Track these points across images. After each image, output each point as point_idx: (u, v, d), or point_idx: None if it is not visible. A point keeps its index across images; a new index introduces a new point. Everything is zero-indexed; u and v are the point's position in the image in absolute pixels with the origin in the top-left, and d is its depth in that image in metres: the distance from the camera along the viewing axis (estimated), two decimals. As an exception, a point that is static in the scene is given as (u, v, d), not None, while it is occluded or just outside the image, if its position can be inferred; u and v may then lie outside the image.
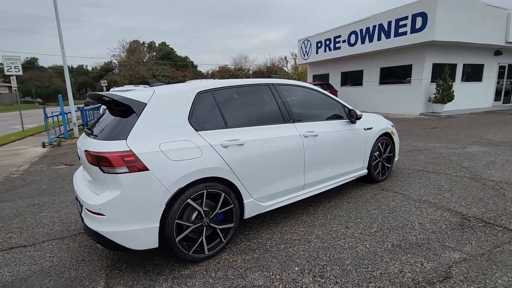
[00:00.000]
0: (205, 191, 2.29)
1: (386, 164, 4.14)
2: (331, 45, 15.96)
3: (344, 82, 16.78)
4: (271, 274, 2.14)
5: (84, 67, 61.64)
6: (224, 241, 2.46)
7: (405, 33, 11.74)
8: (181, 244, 2.23)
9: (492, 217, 2.87)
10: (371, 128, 3.76)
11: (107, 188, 2.05)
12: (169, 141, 2.17)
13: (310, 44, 17.84)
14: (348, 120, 3.49)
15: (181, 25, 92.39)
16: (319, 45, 17.02)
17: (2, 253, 2.65)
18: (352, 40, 14.60)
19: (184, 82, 3.60)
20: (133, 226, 2.03)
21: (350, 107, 3.58)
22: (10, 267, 2.41)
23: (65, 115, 9.41)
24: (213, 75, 40.68)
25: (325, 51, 16.61)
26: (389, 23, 12.38)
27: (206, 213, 2.34)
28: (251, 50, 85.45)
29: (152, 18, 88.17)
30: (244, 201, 2.55)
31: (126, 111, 2.19)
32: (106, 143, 2.05)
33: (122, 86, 17.76)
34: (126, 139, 2.05)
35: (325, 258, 2.32)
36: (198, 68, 55.88)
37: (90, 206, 2.04)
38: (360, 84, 15.51)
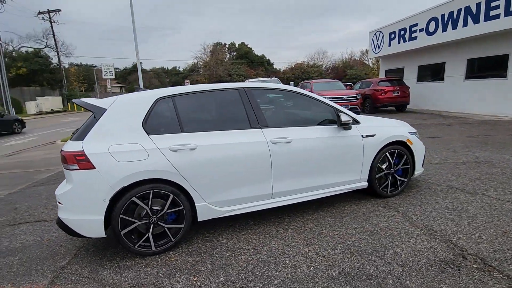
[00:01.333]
0: (151, 191, 2.46)
1: (399, 178, 3.55)
2: (406, 36, 14.09)
3: (421, 78, 14.63)
4: (195, 279, 2.18)
5: (177, 68, 69.98)
6: (173, 240, 2.59)
7: (497, 16, 9.50)
8: (128, 237, 2.46)
9: (501, 258, 2.20)
10: (372, 135, 3.29)
11: (66, 181, 2.42)
12: (118, 144, 2.41)
13: (382, 36, 16.13)
14: (340, 125, 3.14)
15: (262, 24, 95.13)
16: (392, 36, 15.24)
17: (28, 224, 3.39)
18: (431, 28, 12.58)
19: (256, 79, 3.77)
20: (83, 216, 2.35)
21: (345, 111, 3.22)
22: (24, 236, 3.07)
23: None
24: (284, 73, 40.75)
25: (398, 42, 14.78)
26: (478, 4, 10.20)
27: (154, 212, 2.51)
28: (333, 44, 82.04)
29: (241, 19, 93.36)
30: (196, 204, 2.62)
31: (93, 116, 2.52)
32: (70, 144, 2.42)
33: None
34: (82, 141, 2.38)
35: (257, 273, 2.21)
36: (275, 66, 56.85)
37: (56, 195, 2.45)
38: (441, 79, 13.28)
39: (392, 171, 3.48)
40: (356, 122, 3.29)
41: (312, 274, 2.15)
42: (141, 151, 2.43)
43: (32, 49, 32.16)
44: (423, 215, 2.99)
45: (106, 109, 2.50)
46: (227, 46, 56.35)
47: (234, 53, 55.38)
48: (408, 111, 13.83)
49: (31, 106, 27.69)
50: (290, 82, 14.86)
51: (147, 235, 2.50)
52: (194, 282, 2.14)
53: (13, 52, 33.66)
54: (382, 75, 17.91)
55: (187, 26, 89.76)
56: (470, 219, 2.86)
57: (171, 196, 2.52)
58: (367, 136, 3.26)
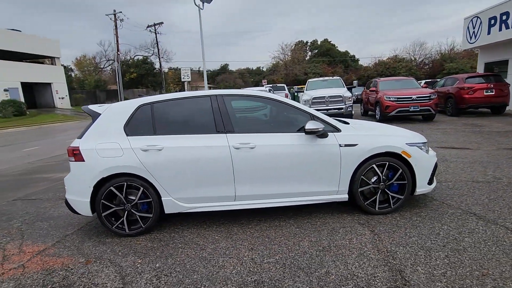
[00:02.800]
0: (125, 183, 2.95)
1: (392, 194, 3.14)
2: (510, 21, 11.35)
3: (533, 72, 11.58)
4: (139, 262, 2.55)
5: (261, 68, 73.07)
6: (143, 226, 3.03)
7: None
8: (108, 219, 3.02)
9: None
10: (354, 144, 3.02)
11: (70, 170, 3.13)
12: (103, 142, 2.98)
13: (480, 22, 13.36)
14: (306, 133, 3.00)
15: (351, 19, 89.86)
16: (492, 22, 12.49)
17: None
18: (547, 8, 9.83)
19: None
20: (77, 197, 3.02)
21: (323, 118, 3.07)
22: (63, 209, 4.03)
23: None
24: (365, 69, 37.64)
25: (500, 29, 12.02)
26: None
27: (129, 201, 3.00)
28: (435, 34, 71.36)
29: (328, 16, 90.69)
30: (162, 198, 3.00)
31: (92, 119, 3.17)
32: (74, 141, 3.12)
33: (263, 85, 20.12)
34: (80, 139, 3.04)
35: (187, 266, 2.43)
36: (360, 62, 53.24)
37: (64, 180, 3.19)
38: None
39: (382, 186, 3.12)
40: (336, 129, 3.09)
41: (230, 277, 2.25)
42: (118, 149, 2.94)
43: (141, 57, 38.85)
44: (398, 239, 2.63)
45: (100, 114, 3.11)
46: (308, 44, 55.69)
47: (316, 51, 54.31)
48: (507, 114, 11.19)
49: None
50: (354, 82, 13.76)
51: (122, 219, 3.02)
52: (137, 264, 2.51)
53: (129, 61, 41.36)
54: (480, 70, 14.87)
55: (276, 27, 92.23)
56: (453, 251, 2.38)
57: (142, 189, 2.97)
58: (347, 145, 3.02)
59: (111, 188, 2.95)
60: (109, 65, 32.57)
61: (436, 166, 3.26)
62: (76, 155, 2.96)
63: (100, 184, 2.96)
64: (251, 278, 2.21)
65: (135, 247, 2.81)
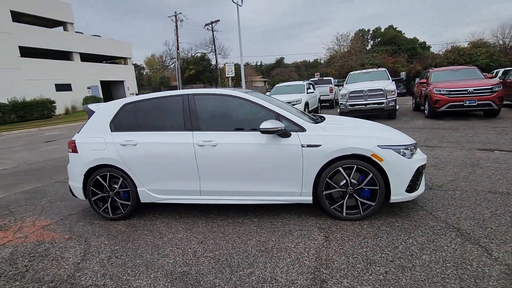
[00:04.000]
0: (108, 173, 3.35)
1: (362, 200, 2.90)
2: None
3: None
4: (106, 243, 2.90)
5: (318, 60, 70.77)
6: (123, 212, 3.40)
7: None
8: (97, 204, 3.47)
9: None
10: (317, 145, 2.87)
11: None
12: (93, 137, 3.42)
13: None
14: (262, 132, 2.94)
15: (423, 2, 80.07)
16: None
17: (93, 185, 5.10)
18: None
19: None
20: (74, 183, 3.54)
21: (288, 117, 2.99)
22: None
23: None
24: (434, 58, 33.22)
25: None
26: None
27: (112, 189, 3.40)
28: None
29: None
30: (138, 189, 3.32)
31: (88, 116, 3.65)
32: (74, 135, 3.64)
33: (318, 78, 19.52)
34: (78, 133, 3.54)
35: (136, 250, 2.69)
36: (432, 49, 47.37)
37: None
38: None
39: (350, 190, 2.91)
40: (300, 129, 2.97)
41: (165, 266, 2.42)
42: (103, 143, 3.35)
43: (200, 54, 41.31)
44: (347, 249, 2.45)
45: (94, 112, 3.56)
46: (370, 32, 51.82)
47: (378, 39, 50.22)
48: None
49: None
50: (401, 73, 12.31)
51: (106, 205, 3.44)
52: (102, 245, 2.87)
53: (190, 58, 44.35)
54: None
55: (337, 16, 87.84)
56: (397, 268, 2.14)
57: (121, 179, 3.33)
58: (309, 145, 2.89)
59: (97, 177, 3.39)
60: (173, 63, 35.64)
61: (419, 172, 2.88)
62: (73, 147, 3.47)
63: (89, 173, 3.41)
64: (181, 269, 2.35)
65: (110, 230, 3.20)
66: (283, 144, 2.94)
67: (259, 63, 73.66)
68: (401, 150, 2.85)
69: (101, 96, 30.17)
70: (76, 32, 29.57)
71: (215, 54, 38.93)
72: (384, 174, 2.82)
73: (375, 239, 2.57)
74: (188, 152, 3.12)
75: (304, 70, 63.33)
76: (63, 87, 27.24)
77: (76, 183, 3.49)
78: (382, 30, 50.23)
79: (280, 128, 2.84)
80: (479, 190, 3.48)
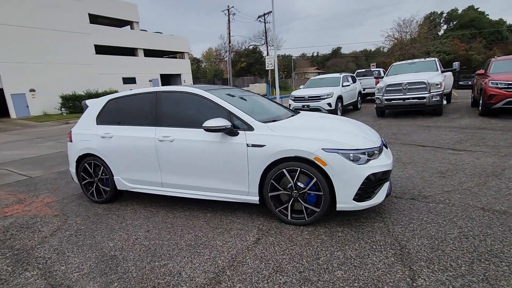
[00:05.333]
0: (92, 162, 3.79)
1: (306, 205, 2.74)
2: None
3: None
4: (82, 228, 3.32)
5: (381, 49, 65.40)
6: (105, 197, 3.82)
7: None
8: (87, 187, 3.95)
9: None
10: (261, 145, 2.80)
11: (70, 148, 4.22)
12: (84, 129, 3.89)
13: None
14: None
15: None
16: None
17: (107, 170, 5.76)
18: None
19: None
20: (71, 169, 4.08)
21: (239, 115, 2.96)
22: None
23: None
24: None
25: None
26: None
27: (96, 175, 3.83)
28: None
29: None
30: (114, 177, 3.68)
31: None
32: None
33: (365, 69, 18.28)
34: (75, 125, 4.06)
35: (94, 233, 3.02)
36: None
37: (71, 155, 4.32)
38: None
39: (295, 194, 2.77)
40: (248, 128, 2.92)
41: (102, 248, 2.69)
42: (88, 135, 3.78)
43: (251, 47, 41.82)
44: (268, 255, 2.38)
45: (88, 106, 4.02)
46: (444, 15, 45.73)
47: (453, 23, 44.05)
48: None
49: (244, 91, 36.68)
50: (454, 63, 10.51)
51: (92, 189, 3.89)
52: (74, 223, 3.29)
53: (244, 51, 45.25)
54: None
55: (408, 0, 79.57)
56: (297, 280, 2.01)
57: (102, 167, 3.73)
58: (254, 145, 2.83)
59: (85, 164, 3.85)
60: (227, 56, 36.97)
61: (370, 179, 2.59)
62: (69, 137, 3.99)
63: (80, 160, 3.90)
64: (113, 253, 2.59)
65: (89, 212, 3.63)
66: (231, 143, 2.94)
67: (315, 54, 71.39)
68: (351, 154, 2.60)
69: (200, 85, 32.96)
70: (141, 30, 32.64)
71: (267, 46, 38.97)
72: (330, 180, 2.62)
73: (303, 247, 2.44)
74: (150, 147, 3.33)
75: (364, 60, 59.23)
76: (129, 80, 30.52)
77: (72, 168, 4.02)
78: (460, 11, 43.87)
79: (223, 127, 2.84)
80: (470, 206, 2.97)
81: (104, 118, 3.81)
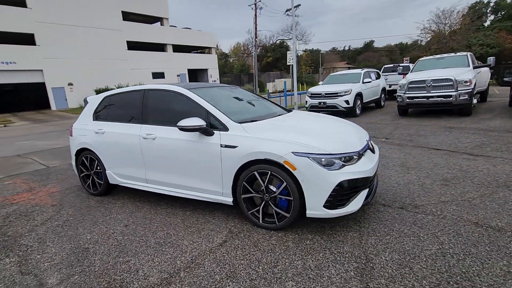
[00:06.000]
0: (88, 155, 3.97)
1: (276, 210, 2.65)
2: None
3: None
4: (71, 219, 3.51)
5: (419, 42, 61.41)
6: (99, 189, 3.99)
7: None
8: (84, 180, 4.16)
9: None
10: (233, 146, 2.74)
11: (73, 141, 4.45)
12: (82, 124, 4.08)
13: None
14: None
15: None
16: None
17: (115, 163, 6.02)
18: None
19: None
20: (72, 161, 4.31)
21: (216, 114, 2.93)
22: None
23: (287, 97, 12.38)
24: None
25: None
26: None
27: (91, 169, 4.02)
28: None
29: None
30: (106, 171, 3.83)
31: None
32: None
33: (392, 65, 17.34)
34: (76, 121, 4.28)
35: (78, 224, 3.17)
36: None
37: (75, 148, 4.56)
38: None
39: (266, 197, 2.69)
40: (224, 128, 2.87)
41: (79, 240, 2.81)
42: (85, 130, 3.96)
43: (279, 41, 41.33)
44: (227, 258, 2.34)
45: (88, 102, 4.21)
46: (491, 4, 41.84)
47: (502, 13, 40.14)
48: None
49: (269, 87, 36.43)
50: (489, 58, 9.46)
51: (88, 182, 4.09)
52: (65, 214, 3.48)
53: (271, 45, 44.85)
54: None
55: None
56: (241, 284, 1.95)
57: (96, 161, 3.90)
58: (227, 146, 2.78)
59: (83, 158, 4.05)
60: (254, 51, 36.93)
61: (342, 186, 2.43)
62: (70, 131, 4.22)
63: (78, 154, 4.11)
64: (86, 246, 2.70)
65: (83, 203, 3.82)
66: (207, 143, 2.91)
67: (346, 48, 68.94)
68: (323, 159, 2.46)
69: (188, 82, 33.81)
70: (170, 26, 33.57)
71: (294, 40, 38.13)
72: (300, 185, 2.51)
73: (265, 253, 2.36)
74: (135, 144, 3.41)
75: (399, 55, 56.07)
76: (158, 75, 31.65)
77: (72, 161, 4.26)
78: (509, 0, 39.82)
79: (197, 127, 2.82)
80: (463, 219, 2.70)
81: (99, 114, 3.96)
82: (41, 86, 23.80)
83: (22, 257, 2.57)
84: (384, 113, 10.71)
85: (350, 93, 10.01)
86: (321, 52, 50.70)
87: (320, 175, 2.43)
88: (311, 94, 10.91)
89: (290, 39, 41.26)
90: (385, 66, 17.07)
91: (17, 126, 16.32)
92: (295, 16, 37.55)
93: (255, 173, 2.69)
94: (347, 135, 2.95)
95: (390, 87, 15.14)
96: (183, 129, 2.87)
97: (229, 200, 2.92)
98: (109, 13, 27.06)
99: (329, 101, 10.29)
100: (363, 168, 2.58)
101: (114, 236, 2.86)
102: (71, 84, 25.08)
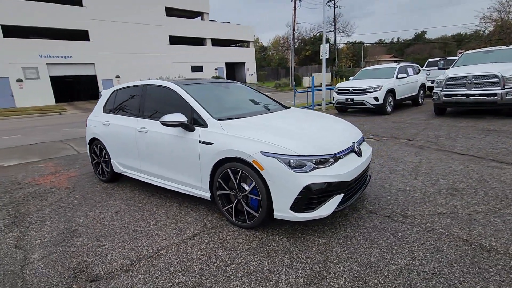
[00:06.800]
0: (98, 145, 4.31)
1: (247, 209, 2.64)
2: None
3: None
4: (64, 203, 3.87)
5: (480, 32, 55.00)
6: (106, 176, 4.32)
7: None
8: (96, 166, 4.53)
9: None
10: (210, 143, 2.77)
11: (90, 131, 4.84)
12: (94, 115, 4.43)
13: None
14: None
15: None
16: None
17: (134, 152, 6.43)
18: None
19: None
20: (87, 149, 4.71)
21: (198, 111, 2.98)
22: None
23: (314, 92, 12.03)
24: None
25: None
26: None
27: (101, 157, 4.35)
28: None
29: None
30: (111, 160, 4.12)
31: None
32: (92, 113, 4.78)
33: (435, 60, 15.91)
34: (91, 112, 4.65)
35: (72, 208, 3.48)
36: None
37: (93, 137, 4.96)
38: None
39: (239, 195, 2.69)
40: (204, 125, 2.91)
41: (74, 222, 3.09)
42: (95, 121, 4.30)
43: (318, 34, 39.98)
44: (191, 250, 2.40)
45: (102, 95, 4.55)
46: None
47: None
48: None
49: (306, 81, 35.61)
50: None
51: (99, 169, 4.44)
52: (73, 197, 3.84)
53: (311, 38, 43.63)
54: None
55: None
56: (189, 278, 1.99)
57: (104, 150, 4.22)
58: (204, 142, 2.82)
59: (94, 147, 4.41)
60: (291, 44, 36.31)
61: (310, 190, 2.33)
62: (86, 122, 4.60)
63: (91, 143, 4.48)
64: (75, 228, 2.96)
65: (91, 188, 4.17)
66: (189, 138, 2.99)
67: (395, 39, 64.44)
68: (291, 160, 2.38)
69: (225, 76, 34.48)
70: (210, 20, 34.38)
71: (335, 33, 36.74)
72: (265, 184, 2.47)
73: (226, 251, 2.38)
74: (133, 136, 3.62)
75: (455, 46, 50.82)
76: (196, 69, 32.76)
77: (87, 150, 4.65)
78: None
79: (178, 122, 2.90)
80: (452, 235, 2.43)
81: (108, 107, 4.26)
82: (93, 78, 26.10)
83: (22, 233, 2.90)
84: (419, 112, 9.90)
85: (380, 89, 9.40)
86: (365, 44, 47.98)
87: (287, 176, 2.36)
88: (338, 89, 10.47)
89: (331, 31, 39.78)
90: (430, 60, 15.65)
91: (70, 114, 18.18)
92: (336, 7, 36.04)
93: (228, 170, 2.70)
94: (330, 136, 2.80)
95: (432, 82, 13.87)
96: (165, 124, 2.97)
97: (207, 195, 2.98)
98: (153, 9, 28.54)
99: (356, 98, 9.77)
100: (338, 172, 2.44)
101: (102, 221, 3.09)
102: (118, 77, 27.09)
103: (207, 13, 33.87)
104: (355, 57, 44.28)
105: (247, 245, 2.46)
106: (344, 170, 2.48)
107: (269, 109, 3.56)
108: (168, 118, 2.93)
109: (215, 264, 2.21)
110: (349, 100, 9.97)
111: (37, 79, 22.95)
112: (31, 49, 22.29)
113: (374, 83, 9.65)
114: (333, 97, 10.77)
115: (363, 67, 40.18)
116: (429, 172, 4.01)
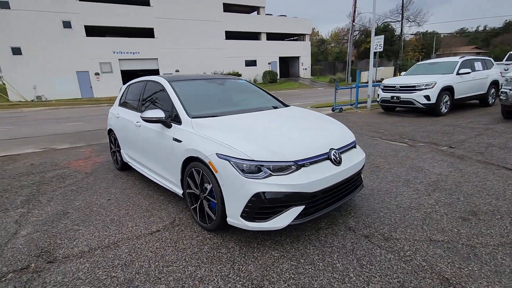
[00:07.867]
0: (113, 136, 4.67)
1: (206, 210, 2.55)
2: None
3: None
4: (86, 178, 4.27)
5: None
6: (118, 166, 4.66)
7: None
8: (112, 155, 4.93)
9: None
10: (179, 140, 2.76)
11: (114, 122, 5.27)
12: (113, 108, 4.80)
13: None
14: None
15: None
16: None
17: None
18: None
19: None
20: (108, 139, 5.15)
21: (178, 107, 2.99)
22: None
23: (358, 88, 11.12)
24: None
25: None
26: None
27: (115, 146, 4.71)
28: None
29: None
30: (121, 150, 4.43)
31: (122, 93, 5.06)
32: (116, 106, 5.18)
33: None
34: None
35: (70, 198, 3.82)
36: None
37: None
38: None
39: (202, 196, 2.63)
40: (179, 122, 2.89)
41: (69, 205, 3.41)
42: (112, 114, 4.66)
43: (382, 25, 36.69)
44: (152, 246, 2.43)
45: (120, 90, 4.91)
46: None
47: None
48: None
49: (364, 76, 33.19)
50: None
51: (114, 157, 4.82)
52: (84, 182, 4.24)
53: (369, 29, 40.26)
54: None
55: None
56: (141, 274, 2.01)
57: (117, 141, 4.56)
58: (175, 139, 2.82)
59: (111, 137, 4.80)
60: (353, 36, 34.14)
61: (259, 198, 2.13)
62: (107, 116, 5.03)
63: (109, 133, 4.88)
64: (68, 211, 3.25)
65: (105, 175, 4.54)
66: (166, 134, 3.02)
67: (480, 28, 55.78)
68: (245, 165, 2.22)
69: (278, 71, 34.27)
70: (266, 14, 34.36)
71: (401, 23, 33.23)
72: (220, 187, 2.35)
73: (175, 252, 2.35)
74: (132, 129, 3.82)
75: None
76: (250, 63, 33.23)
77: (108, 139, 5.09)
78: None
79: (156, 118, 2.94)
80: (431, 270, 1.99)
81: (122, 100, 4.57)
82: (156, 72, 28.49)
83: (28, 210, 3.32)
84: (484, 114, 8.41)
85: (432, 87, 8.22)
86: (440, 35, 42.41)
87: (238, 181, 2.21)
88: (384, 86, 9.46)
89: (398, 21, 36.18)
90: (511, 52, 13.05)
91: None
92: (406, -6, 32.50)
93: (193, 170, 2.65)
94: (304, 140, 2.52)
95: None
96: (144, 119, 3.04)
97: (179, 192, 2.98)
98: (212, 6, 29.70)
99: (404, 96, 8.71)
100: (297, 181, 2.19)
101: (92, 206, 3.35)
102: (178, 71, 29.06)
103: (263, 7, 33.90)
104: (425, 49, 39.47)
105: (197, 248, 2.39)
106: (304, 180, 2.21)
107: (257, 108, 3.38)
108: (147, 114, 3.00)
109: (156, 264, 2.20)
110: (395, 98, 8.96)
111: (110, 73, 26.03)
112: (107, 46, 25.32)
113: (426, 79, 8.48)
114: (378, 95, 9.81)
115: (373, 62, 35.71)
116: (452, 188, 3.37)
